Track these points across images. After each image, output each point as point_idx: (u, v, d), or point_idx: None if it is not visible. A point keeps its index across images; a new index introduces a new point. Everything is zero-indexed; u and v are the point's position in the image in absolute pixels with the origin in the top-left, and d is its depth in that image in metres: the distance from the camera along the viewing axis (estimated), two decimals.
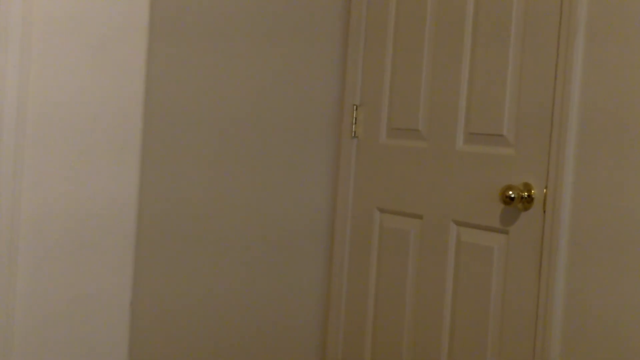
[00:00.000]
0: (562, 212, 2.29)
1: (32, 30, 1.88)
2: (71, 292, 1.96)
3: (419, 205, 2.74)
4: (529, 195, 2.38)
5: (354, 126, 2.98)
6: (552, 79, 2.33)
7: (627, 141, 2.16)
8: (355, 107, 2.98)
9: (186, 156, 2.80)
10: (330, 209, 3.07)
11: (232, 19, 2.84)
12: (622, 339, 2.17)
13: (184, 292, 2.84)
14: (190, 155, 2.81)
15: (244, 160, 2.91)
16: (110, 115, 1.97)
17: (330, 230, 3.08)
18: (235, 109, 2.88)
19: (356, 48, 2.98)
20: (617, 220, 2.18)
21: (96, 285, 1.98)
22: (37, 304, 1.92)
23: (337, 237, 3.03)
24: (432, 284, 2.68)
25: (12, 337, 1.90)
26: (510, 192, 2.38)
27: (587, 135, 2.25)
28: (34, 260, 1.91)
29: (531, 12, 2.40)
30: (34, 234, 1.91)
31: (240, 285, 2.94)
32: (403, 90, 2.81)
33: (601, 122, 2.22)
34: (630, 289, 2.15)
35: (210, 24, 2.81)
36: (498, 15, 2.49)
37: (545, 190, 2.35)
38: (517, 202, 2.39)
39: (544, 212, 2.35)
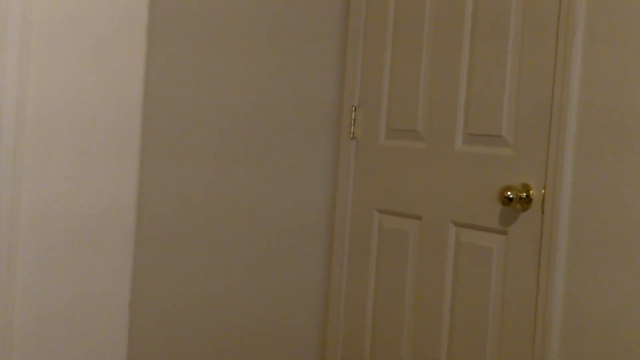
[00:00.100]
0: (560, 213, 2.29)
1: (31, 31, 1.88)
2: (70, 292, 1.96)
3: (418, 206, 2.74)
4: (527, 196, 2.39)
5: (352, 127, 2.98)
6: (550, 79, 2.33)
7: (626, 141, 2.16)
8: (354, 108, 2.98)
9: (185, 156, 2.80)
10: (329, 210, 3.07)
11: (231, 20, 2.84)
12: (621, 339, 2.17)
13: (183, 293, 2.84)
14: (189, 156, 2.81)
15: (243, 161, 2.91)
16: (110, 115, 1.98)
17: (329, 231, 3.08)
18: (234, 110, 2.88)
19: (355, 49, 2.98)
20: (615, 221, 2.18)
21: (95, 285, 1.98)
22: (36, 304, 1.92)
23: (337, 238, 3.03)
24: (431, 285, 2.68)
25: (11, 337, 1.90)
26: (509, 193, 2.38)
27: (585, 135, 2.25)
28: (33, 261, 1.91)
29: (530, 12, 2.40)
30: (33, 234, 1.91)
31: (239, 286, 2.94)
32: (402, 91, 2.81)
33: (600, 122, 2.22)
34: (629, 289, 2.15)
35: (209, 25, 2.81)
36: (496, 16, 2.50)
37: (543, 190, 2.35)
38: (516, 202, 2.39)
39: (543, 212, 2.35)
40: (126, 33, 1.99)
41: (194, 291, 2.86)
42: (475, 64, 2.56)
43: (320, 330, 3.10)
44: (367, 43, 2.94)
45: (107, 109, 1.97)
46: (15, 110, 1.88)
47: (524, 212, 2.40)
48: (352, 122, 2.98)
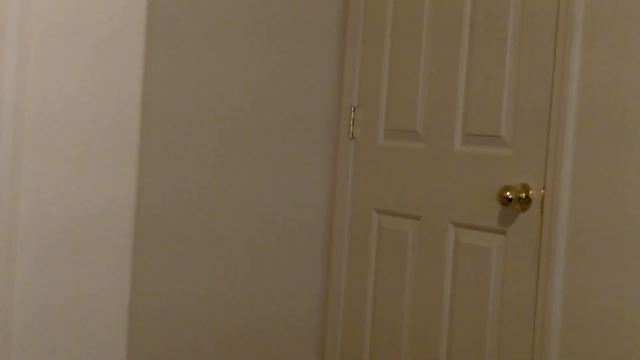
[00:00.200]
0: (559, 213, 2.29)
1: (29, 32, 1.88)
2: (70, 292, 1.96)
3: (416, 207, 2.74)
4: (526, 196, 2.39)
5: (351, 127, 2.98)
6: (549, 80, 2.34)
7: (625, 142, 2.16)
8: (352, 108, 2.98)
9: (184, 157, 2.80)
10: (328, 210, 3.07)
11: (230, 21, 2.84)
12: (620, 340, 2.17)
13: (182, 293, 2.84)
14: (188, 156, 2.81)
15: (242, 162, 2.91)
16: (109, 115, 1.97)
17: (328, 231, 3.08)
18: (233, 110, 2.88)
19: (354, 49, 2.98)
20: (614, 221, 2.18)
21: (95, 285, 1.98)
22: (35, 305, 1.92)
23: (336, 238, 3.03)
24: (430, 285, 2.68)
25: (10, 337, 1.89)
26: (508, 193, 2.39)
27: (584, 135, 2.25)
28: (32, 261, 1.91)
29: (528, 13, 2.40)
30: (32, 234, 1.91)
31: (238, 286, 2.94)
32: (401, 92, 2.81)
33: (599, 123, 2.22)
34: (628, 289, 2.15)
35: (208, 25, 2.81)
36: (495, 16, 2.50)
37: (543, 191, 2.35)
38: (515, 203, 2.39)
39: (542, 212, 2.35)
40: (125, 33, 1.99)
41: (193, 291, 2.85)
42: (474, 64, 2.56)
43: (320, 331, 3.10)
44: (365, 43, 2.94)
45: (106, 109, 1.97)
46: (14, 111, 1.88)
47: (523, 212, 2.40)
48: (351, 123, 2.98)
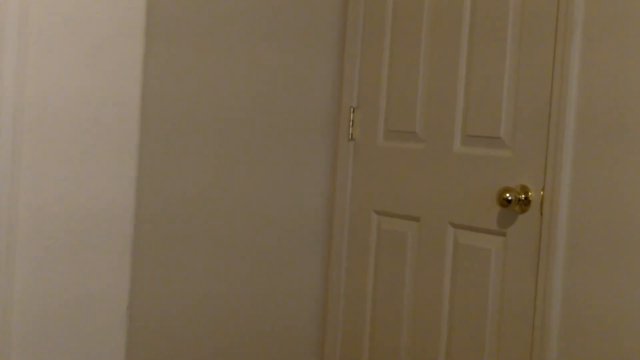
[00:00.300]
0: (559, 214, 2.29)
1: (29, 32, 1.88)
2: (69, 293, 1.96)
3: (416, 208, 2.74)
4: (526, 198, 2.39)
5: (351, 128, 2.98)
6: (549, 81, 2.34)
7: (625, 143, 2.16)
8: (352, 109, 2.98)
9: (184, 157, 2.80)
10: (327, 211, 3.07)
11: (229, 22, 2.84)
12: (619, 340, 2.17)
13: (181, 293, 2.84)
14: (187, 157, 2.81)
15: (242, 162, 2.91)
16: (108, 116, 1.97)
17: (328, 232, 3.08)
18: (233, 111, 2.88)
19: (353, 50, 2.98)
20: (614, 222, 2.18)
21: (94, 286, 1.98)
22: (35, 305, 1.92)
23: (335, 239, 3.03)
24: (429, 286, 2.68)
25: (10, 338, 1.89)
26: (508, 195, 2.39)
27: (584, 137, 2.25)
28: (31, 261, 1.91)
29: (528, 13, 2.40)
30: (31, 235, 1.91)
31: (238, 287, 2.94)
32: (400, 92, 2.81)
33: (598, 124, 2.22)
34: (627, 290, 2.15)
35: (207, 26, 2.81)
36: (495, 17, 2.50)
37: (542, 192, 2.36)
38: (515, 204, 2.39)
39: (541, 214, 2.35)
40: (124, 33, 1.99)
41: (193, 291, 2.85)
42: (474, 65, 2.56)
43: (319, 331, 3.10)
44: (365, 44, 2.94)
45: (106, 110, 1.97)
46: (13, 111, 1.88)
47: (523, 213, 2.40)
48: (351, 124, 2.98)
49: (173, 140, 2.78)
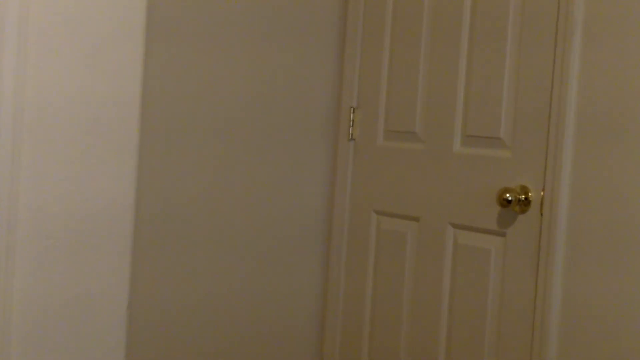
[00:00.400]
0: (559, 215, 2.29)
1: (28, 32, 1.88)
2: (68, 293, 1.96)
3: (416, 208, 2.74)
4: (526, 198, 2.39)
5: (351, 128, 2.98)
6: (549, 81, 2.34)
7: (625, 143, 2.16)
8: (352, 109, 2.98)
9: (183, 157, 2.80)
10: (327, 211, 3.07)
11: (229, 22, 2.84)
12: (619, 341, 2.17)
13: (180, 293, 2.84)
14: (187, 157, 2.81)
15: (242, 163, 2.91)
16: (108, 116, 1.97)
17: (327, 232, 3.08)
18: (233, 111, 2.88)
19: (353, 50, 2.98)
20: (614, 223, 2.18)
21: (94, 286, 1.98)
22: (34, 305, 1.92)
23: (335, 239, 3.03)
24: (429, 287, 2.68)
25: (10, 337, 1.89)
26: (508, 195, 2.39)
27: (584, 137, 2.25)
28: (31, 261, 1.91)
29: (528, 14, 2.40)
30: (31, 234, 1.90)
31: (238, 287, 2.94)
32: (400, 93, 2.81)
33: (598, 124, 2.22)
34: (627, 290, 2.15)
35: (207, 27, 2.81)
36: (495, 17, 2.50)
37: (542, 192, 2.36)
38: (514, 204, 2.39)
39: (541, 214, 2.35)
40: (124, 34, 1.99)
41: (192, 291, 2.85)
42: (474, 65, 2.56)
43: (318, 332, 3.09)
44: (365, 44, 2.94)
45: (106, 110, 1.97)
46: (13, 111, 1.88)
47: (522, 214, 2.40)
48: (351, 124, 2.98)
49: (173, 140, 2.78)
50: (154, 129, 2.70)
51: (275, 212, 2.98)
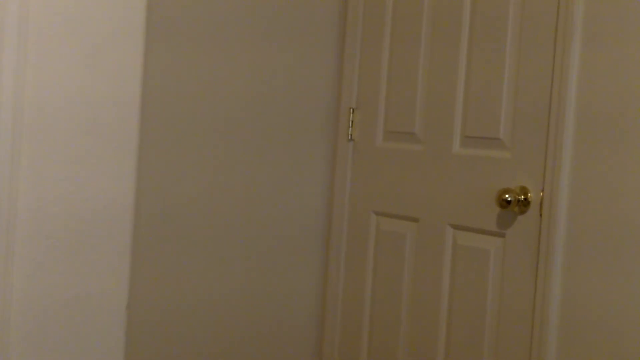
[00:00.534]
0: (558, 215, 2.30)
1: (28, 33, 1.88)
2: (68, 293, 1.95)
3: (415, 208, 2.74)
4: (525, 199, 2.39)
5: (350, 129, 2.98)
6: (548, 82, 2.34)
7: (624, 144, 2.16)
8: (351, 110, 2.98)
9: (183, 158, 2.80)
10: (326, 212, 3.07)
11: (229, 22, 2.84)
12: (618, 341, 2.17)
13: (180, 294, 2.84)
14: (187, 158, 2.81)
15: (241, 163, 2.90)
16: (108, 116, 1.97)
17: (326, 233, 3.08)
18: (232, 112, 2.88)
19: (353, 51, 2.98)
20: (613, 224, 2.18)
21: (93, 286, 1.98)
22: (34, 305, 1.92)
23: (334, 240, 3.03)
24: (428, 287, 2.68)
25: (9, 337, 1.89)
26: (507, 196, 2.39)
27: (583, 138, 2.25)
28: (30, 261, 1.91)
29: (528, 15, 2.41)
30: (30, 235, 1.90)
31: (237, 287, 2.94)
32: (399, 93, 2.81)
33: (598, 125, 2.22)
34: (626, 291, 2.15)
35: (207, 27, 2.81)
36: (494, 18, 2.50)
37: (541, 193, 2.36)
38: (514, 205, 2.39)
39: (541, 215, 2.35)
40: (124, 33, 1.99)
41: (191, 292, 2.85)
42: (473, 66, 2.56)
43: (318, 332, 3.09)
44: (364, 45, 2.94)
45: (105, 110, 1.97)
46: (13, 111, 1.87)
47: (522, 214, 2.40)
48: (350, 124, 2.98)
49: (172, 141, 2.78)
50: (154, 129, 2.70)
51: (275, 212, 2.98)
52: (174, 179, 2.79)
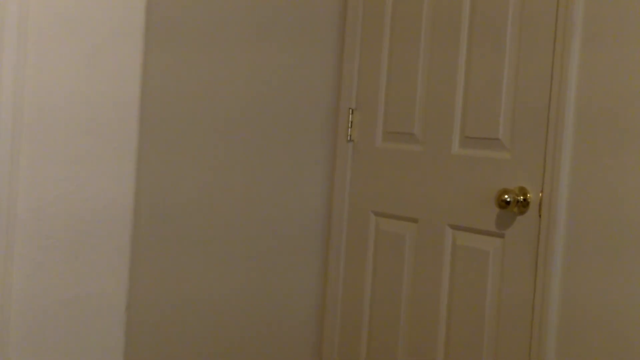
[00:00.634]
0: (557, 216, 2.30)
1: (28, 33, 1.88)
2: (67, 293, 1.95)
3: (414, 209, 2.74)
4: (524, 199, 2.39)
5: (349, 130, 2.98)
6: (548, 82, 2.34)
7: (623, 144, 2.16)
8: (351, 110, 2.98)
9: (183, 159, 2.80)
10: (326, 212, 3.07)
11: (228, 23, 2.84)
12: (617, 342, 2.17)
13: (179, 294, 2.84)
14: (186, 158, 2.81)
15: (241, 164, 2.91)
16: (107, 116, 1.97)
17: (326, 233, 3.08)
18: (231, 112, 2.88)
19: (352, 52, 2.98)
20: (612, 224, 2.18)
21: (92, 287, 1.98)
22: (33, 305, 1.92)
23: (333, 240, 3.03)
24: (427, 288, 2.68)
25: (8, 338, 1.89)
26: (506, 196, 2.39)
27: (583, 138, 2.25)
28: (30, 262, 1.91)
29: (527, 15, 2.41)
30: (30, 235, 1.90)
31: (237, 287, 2.94)
32: (399, 94, 2.81)
33: (597, 126, 2.22)
34: (625, 291, 2.15)
35: (206, 28, 2.81)
36: (494, 18, 2.50)
37: (540, 194, 2.36)
38: (513, 206, 2.39)
39: (540, 215, 2.35)
40: (124, 34, 1.99)
41: (191, 292, 2.85)
42: (473, 66, 2.56)
43: (317, 332, 3.09)
44: (364, 46, 2.94)
45: (105, 110, 1.97)
46: (13, 111, 1.87)
47: (521, 215, 2.40)
48: (349, 125, 2.98)
49: (172, 141, 2.78)
50: (154, 129, 2.70)
51: (274, 213, 2.98)
52: (173, 179, 2.79)
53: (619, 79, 2.18)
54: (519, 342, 2.39)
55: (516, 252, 2.41)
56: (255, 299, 2.98)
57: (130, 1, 2.00)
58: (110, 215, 1.99)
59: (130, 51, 2.00)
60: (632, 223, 2.14)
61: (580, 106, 2.26)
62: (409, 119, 2.77)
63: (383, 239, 2.86)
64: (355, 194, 2.97)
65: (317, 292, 3.09)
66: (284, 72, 2.96)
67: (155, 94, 2.69)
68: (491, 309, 2.48)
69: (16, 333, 1.91)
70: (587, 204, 2.24)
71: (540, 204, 2.35)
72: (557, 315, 2.30)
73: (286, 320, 3.04)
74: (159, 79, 2.71)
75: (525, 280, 2.38)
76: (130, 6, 2.00)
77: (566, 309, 2.28)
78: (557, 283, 2.30)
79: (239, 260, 2.94)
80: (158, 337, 2.82)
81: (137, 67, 2.01)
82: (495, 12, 2.49)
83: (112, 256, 2.00)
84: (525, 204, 2.38)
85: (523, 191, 2.39)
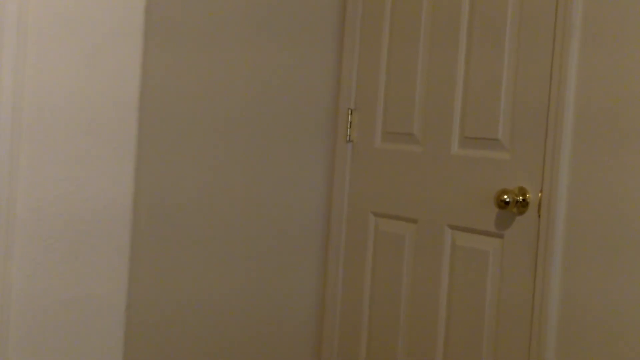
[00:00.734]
0: (557, 216, 2.30)
1: (27, 32, 1.88)
2: (67, 294, 1.95)
3: (414, 209, 2.74)
4: (524, 200, 2.39)
5: (348, 130, 2.98)
6: (547, 83, 2.34)
7: (622, 145, 2.16)
8: (350, 111, 2.98)
9: (182, 159, 2.80)
10: (325, 213, 3.07)
11: (227, 23, 2.84)
12: (616, 342, 2.17)
13: (179, 294, 2.83)
14: (186, 158, 2.81)
15: (240, 164, 2.91)
16: (107, 116, 1.97)
17: (325, 234, 3.08)
18: (231, 112, 2.88)
19: (351, 52, 2.98)
20: (611, 224, 2.18)
21: (92, 287, 1.98)
22: (32, 306, 1.92)
23: (332, 241, 3.03)
24: (427, 288, 2.68)
25: (8, 338, 1.89)
26: (505, 196, 2.39)
27: (582, 139, 2.25)
28: (29, 262, 1.91)
29: (526, 15, 2.41)
30: (29, 235, 1.90)
31: (236, 288, 2.94)
32: (398, 94, 2.81)
33: (596, 126, 2.22)
34: (625, 292, 2.15)
35: (205, 27, 2.81)
36: (493, 19, 2.50)
37: (540, 194, 2.36)
38: (512, 206, 2.39)
39: (539, 216, 2.35)
40: (123, 34, 1.99)
41: (191, 292, 2.85)
42: (472, 67, 2.56)
43: (317, 332, 3.09)
44: (363, 46, 2.94)
45: (104, 110, 1.97)
46: (12, 111, 1.87)
47: (520, 215, 2.40)
48: (348, 125, 2.98)
49: (171, 141, 2.78)
50: (153, 129, 2.70)
51: (274, 213, 2.98)
52: (172, 179, 2.79)
53: (618, 79, 2.18)
54: (519, 342, 2.39)
55: (515, 252, 2.41)
56: (255, 299, 2.97)
57: (130, 1, 2.00)
58: (109, 216, 1.99)
59: (130, 51, 2.00)
60: (632, 223, 2.14)
61: (580, 106, 2.26)
62: (408, 119, 2.77)
63: (382, 239, 2.86)
64: (354, 194, 2.97)
65: (317, 292, 3.09)
66: (284, 72, 2.96)
67: (155, 94, 2.69)
68: (491, 309, 2.48)
69: (16, 333, 1.90)
70: (586, 204, 2.24)
71: (539, 204, 2.35)
72: (556, 315, 2.30)
73: (286, 321, 3.04)
74: (159, 79, 2.71)
75: (525, 281, 2.38)
76: (130, 6, 2.00)
77: (565, 308, 2.28)
78: (557, 283, 2.30)
79: (238, 260, 2.93)
80: (158, 337, 2.81)
81: (136, 67, 2.01)
82: (495, 13, 2.49)
83: (111, 256, 2.00)
84: (524, 204, 2.39)
85: (522, 191, 2.40)
